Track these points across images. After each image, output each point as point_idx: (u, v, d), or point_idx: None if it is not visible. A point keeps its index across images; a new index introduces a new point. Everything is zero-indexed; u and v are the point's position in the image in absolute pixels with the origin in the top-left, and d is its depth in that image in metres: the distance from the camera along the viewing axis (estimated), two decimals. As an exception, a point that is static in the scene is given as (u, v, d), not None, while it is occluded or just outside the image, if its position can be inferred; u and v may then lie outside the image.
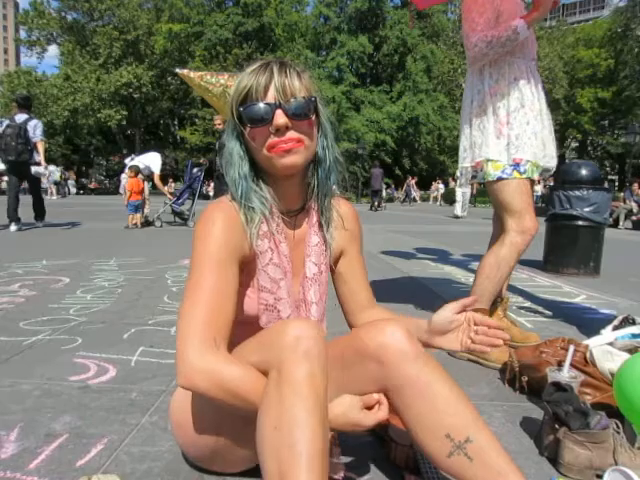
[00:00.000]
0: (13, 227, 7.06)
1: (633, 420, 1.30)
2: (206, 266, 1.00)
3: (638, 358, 1.41)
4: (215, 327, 0.95)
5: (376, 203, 18.99)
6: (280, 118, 0.98)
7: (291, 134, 1.00)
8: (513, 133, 2.11)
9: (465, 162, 2.29)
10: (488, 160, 2.15)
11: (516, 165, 2.10)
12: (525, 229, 2.11)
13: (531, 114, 2.12)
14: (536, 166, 2.13)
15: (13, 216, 7.09)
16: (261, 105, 0.99)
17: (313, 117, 1.04)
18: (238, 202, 1.07)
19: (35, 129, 6.94)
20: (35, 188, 7.55)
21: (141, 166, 8.68)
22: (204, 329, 0.94)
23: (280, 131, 0.99)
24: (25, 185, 7.87)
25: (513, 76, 2.14)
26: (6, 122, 6.85)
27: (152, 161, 9.01)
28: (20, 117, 6.88)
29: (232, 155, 1.07)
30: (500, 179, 2.14)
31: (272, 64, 1.01)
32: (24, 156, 6.81)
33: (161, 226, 8.60)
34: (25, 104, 7.15)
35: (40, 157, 7.05)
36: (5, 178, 7.86)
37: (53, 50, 38.72)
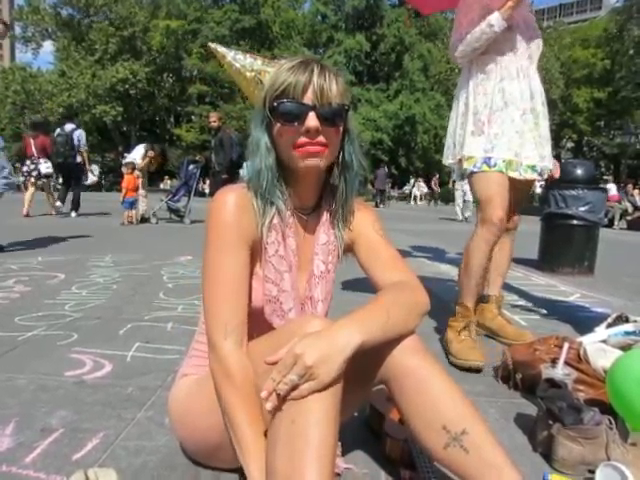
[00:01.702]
0: (73, 214, 9.06)
1: (625, 416, 1.31)
2: (220, 250, 1.04)
3: (631, 355, 1.42)
4: (230, 315, 1.02)
5: (379, 200, 20.80)
6: (313, 121, 0.99)
7: (320, 138, 1.01)
8: (492, 132, 2.11)
9: (448, 159, 2.30)
10: (466, 157, 2.17)
11: (487, 159, 2.11)
12: (487, 218, 2.11)
13: (517, 113, 2.11)
14: (515, 164, 2.12)
15: (75, 206, 9.14)
16: (296, 104, 1.00)
17: (341, 125, 1.06)
18: (256, 192, 1.08)
19: (80, 138, 8.76)
20: (77, 186, 9.26)
21: (137, 162, 8.70)
22: (225, 318, 1.02)
23: (310, 133, 1.00)
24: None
25: (499, 75, 2.13)
26: (58, 131, 8.70)
27: (137, 152, 9.09)
28: (68, 127, 8.73)
29: (259, 145, 1.07)
30: (472, 173, 2.15)
31: (313, 64, 1.01)
32: (69, 160, 8.67)
33: (157, 223, 8.58)
34: (70, 116, 10.04)
35: (82, 160, 8.96)
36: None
37: (48, 46, 38.46)
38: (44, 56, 42.82)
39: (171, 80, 37.90)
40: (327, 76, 1.01)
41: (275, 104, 1.01)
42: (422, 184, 28.28)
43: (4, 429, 1.35)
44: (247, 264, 1.06)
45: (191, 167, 8.81)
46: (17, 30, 36.70)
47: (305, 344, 0.87)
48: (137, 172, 8.58)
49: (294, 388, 0.86)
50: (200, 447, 1.14)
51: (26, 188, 9.11)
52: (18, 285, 3.25)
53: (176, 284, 3.47)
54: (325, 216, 1.19)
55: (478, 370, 1.93)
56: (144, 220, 8.74)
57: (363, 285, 1.22)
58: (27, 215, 8.52)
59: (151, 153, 8.80)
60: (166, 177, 31.53)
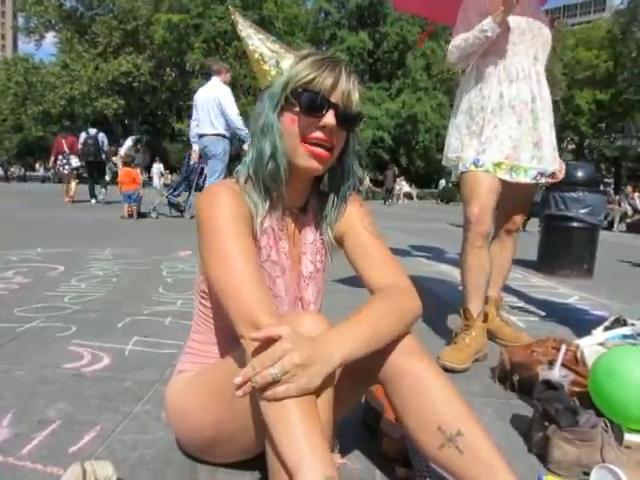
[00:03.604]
0: (93, 201, 10.90)
1: (604, 411, 1.33)
2: (227, 234, 0.98)
3: (607, 352, 1.45)
4: (265, 295, 0.95)
5: (389, 200, 22.85)
6: (331, 118, 1.00)
7: (333, 138, 1.02)
8: (485, 135, 2.11)
9: (447, 161, 2.31)
10: (461, 159, 2.17)
11: (476, 160, 2.11)
12: (465, 216, 2.13)
13: (513, 117, 2.10)
14: (506, 166, 2.11)
15: (92, 194, 11.05)
16: (322, 98, 0.99)
17: (351, 132, 1.08)
18: (254, 179, 1.07)
19: (103, 140, 10.67)
20: (101, 178, 11.52)
21: (122, 153, 8.91)
22: (261, 297, 0.93)
23: (325, 129, 1.00)
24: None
25: (497, 79, 2.12)
26: (85, 135, 10.52)
27: (125, 144, 9.43)
28: (92, 131, 10.65)
29: (272, 127, 1.04)
30: (462, 173, 2.15)
31: (341, 65, 1.02)
32: (98, 157, 10.59)
33: (157, 217, 8.58)
34: (94, 123, 12.42)
35: (105, 158, 11.12)
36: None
37: (51, 37, 38.30)
38: (47, 48, 42.64)
39: (173, 74, 37.80)
40: (353, 81, 1.02)
41: (300, 90, 1.00)
42: (404, 182, 28.17)
43: (2, 420, 1.36)
44: (255, 250, 1.02)
45: (192, 162, 8.80)
46: (20, 21, 36.61)
47: (297, 341, 0.83)
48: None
49: (272, 383, 0.81)
50: (196, 442, 1.15)
51: (62, 180, 11.75)
52: (17, 276, 3.26)
53: (175, 279, 3.47)
54: (312, 215, 1.19)
55: (453, 371, 1.91)
56: (143, 215, 8.73)
57: (357, 281, 1.21)
58: (70, 201, 10.73)
59: (164, 179, 9.25)
60: (167, 171, 31.47)
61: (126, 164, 8.74)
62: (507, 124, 2.10)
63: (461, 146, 2.18)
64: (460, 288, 2.26)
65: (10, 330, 2.15)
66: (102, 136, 10.74)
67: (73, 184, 10.96)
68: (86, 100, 32.72)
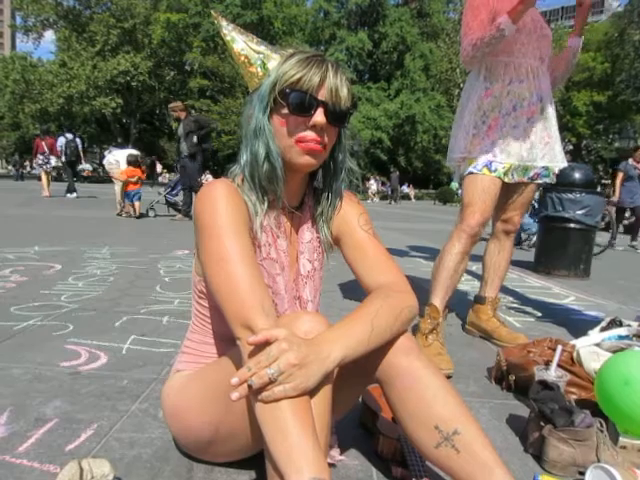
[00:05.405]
0: (69, 195, 12.27)
1: (613, 417, 1.32)
2: (225, 234, 0.97)
3: (618, 357, 1.43)
4: (263, 294, 0.94)
5: (393, 199, 25.16)
6: (321, 117, 0.99)
7: (324, 136, 1.02)
8: (497, 135, 2.12)
9: (451, 161, 2.31)
10: (469, 159, 2.17)
11: (489, 163, 2.12)
12: (465, 220, 2.14)
13: (523, 118, 2.12)
14: (514, 168, 2.14)
15: (71, 189, 12.44)
16: (310, 97, 0.99)
17: (342, 128, 1.07)
18: (251, 180, 1.06)
19: (79, 143, 12.20)
20: (75, 174, 13.01)
21: (112, 160, 8.74)
22: (257, 296, 0.92)
23: (316, 128, 1.00)
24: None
25: (508, 78, 2.12)
26: (64, 139, 11.89)
27: (123, 156, 9.16)
28: (69, 135, 12.18)
29: (264, 129, 1.03)
30: (470, 173, 2.16)
31: (328, 62, 1.01)
32: (79, 159, 12.18)
33: (155, 216, 8.57)
34: (71, 129, 13.04)
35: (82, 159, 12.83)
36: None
37: (50, 35, 38.18)
38: (45, 45, 42.48)
39: (172, 73, 37.75)
40: (340, 77, 1.01)
41: (287, 91, 0.99)
42: (372, 181, 28.15)
43: (-2, 418, 1.36)
44: (253, 250, 1.01)
45: (190, 161, 8.78)
46: (18, 19, 36.47)
47: (293, 342, 0.83)
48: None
49: (268, 384, 0.81)
50: (193, 441, 1.14)
51: (39, 178, 12.87)
52: (14, 275, 3.25)
53: (173, 278, 3.47)
54: (308, 214, 1.18)
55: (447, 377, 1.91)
56: (141, 214, 8.72)
57: (354, 281, 1.21)
58: (49, 196, 11.57)
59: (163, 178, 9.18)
60: (164, 170, 31.50)
61: (130, 163, 8.65)
62: (520, 124, 2.12)
63: (470, 146, 2.17)
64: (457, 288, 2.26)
65: (7, 328, 2.15)
66: (79, 140, 12.43)
67: (45, 179, 12.06)
68: (84, 99, 32.63)
